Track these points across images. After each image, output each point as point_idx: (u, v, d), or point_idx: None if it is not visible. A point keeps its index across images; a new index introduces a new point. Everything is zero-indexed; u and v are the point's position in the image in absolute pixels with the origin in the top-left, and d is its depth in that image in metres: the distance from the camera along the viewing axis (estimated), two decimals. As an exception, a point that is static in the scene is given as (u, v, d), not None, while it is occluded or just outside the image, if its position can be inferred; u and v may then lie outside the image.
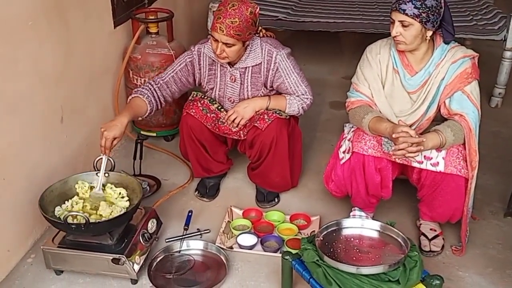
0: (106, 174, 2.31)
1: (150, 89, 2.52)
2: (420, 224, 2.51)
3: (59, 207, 2.20)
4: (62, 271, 2.26)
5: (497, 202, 2.75)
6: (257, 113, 2.57)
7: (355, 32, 4.11)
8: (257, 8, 2.39)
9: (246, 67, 2.53)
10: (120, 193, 2.27)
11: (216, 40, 2.37)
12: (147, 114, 2.49)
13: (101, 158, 2.28)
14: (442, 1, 2.17)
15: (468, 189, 2.24)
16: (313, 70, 4.30)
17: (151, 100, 2.48)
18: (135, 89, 2.54)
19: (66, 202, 2.23)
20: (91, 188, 2.30)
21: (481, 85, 2.29)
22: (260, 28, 2.54)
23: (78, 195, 2.27)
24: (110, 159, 2.31)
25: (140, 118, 2.53)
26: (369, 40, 2.41)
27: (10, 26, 2.11)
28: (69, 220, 2.04)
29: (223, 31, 2.32)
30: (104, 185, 2.28)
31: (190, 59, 2.59)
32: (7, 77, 2.12)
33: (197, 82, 2.66)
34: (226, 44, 2.36)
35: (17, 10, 2.14)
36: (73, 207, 2.20)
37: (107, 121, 2.29)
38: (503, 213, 2.66)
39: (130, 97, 2.51)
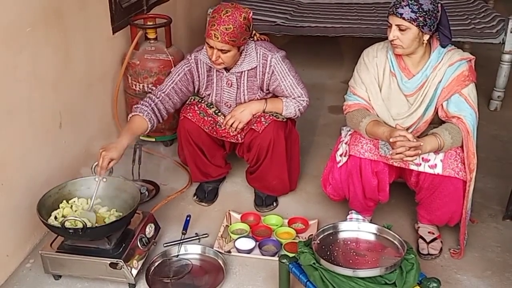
0: (104, 179, 2.32)
1: (150, 104, 2.50)
2: (418, 227, 2.50)
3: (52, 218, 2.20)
4: (60, 276, 2.26)
5: (496, 205, 2.75)
6: (254, 116, 2.58)
7: (353, 37, 4.12)
8: (250, 13, 2.41)
9: (242, 72, 2.54)
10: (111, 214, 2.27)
11: (212, 47, 2.38)
12: (147, 131, 2.50)
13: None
14: (439, 5, 2.18)
15: (466, 191, 2.24)
16: (312, 75, 4.31)
17: (151, 117, 2.47)
18: (135, 106, 2.52)
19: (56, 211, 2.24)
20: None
21: (480, 88, 2.30)
22: (254, 32, 2.55)
23: (71, 208, 2.27)
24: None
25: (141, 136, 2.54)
26: (368, 45, 2.42)
27: (9, 32, 2.12)
28: (67, 225, 2.05)
29: (218, 38, 2.33)
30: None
31: (188, 68, 2.59)
32: (6, 83, 2.13)
33: (196, 89, 2.67)
34: (221, 50, 2.37)
35: (15, 16, 2.16)
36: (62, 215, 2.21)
37: (108, 143, 2.32)
38: (502, 216, 2.65)
39: (130, 115, 2.51)
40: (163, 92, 2.57)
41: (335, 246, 1.99)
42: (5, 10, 2.09)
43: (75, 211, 2.24)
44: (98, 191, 2.30)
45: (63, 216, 2.20)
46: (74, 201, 2.29)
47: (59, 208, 2.24)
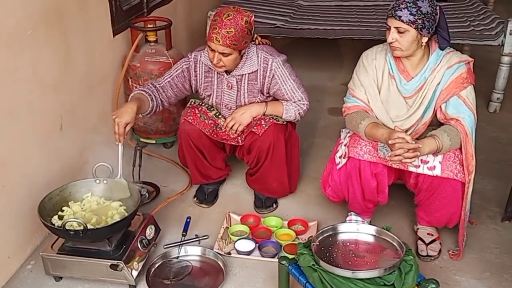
0: (105, 181, 2.34)
1: (150, 88, 2.57)
2: (418, 229, 2.51)
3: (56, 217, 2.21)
4: (61, 278, 2.27)
5: (494, 206, 2.76)
6: (255, 119, 2.59)
7: (353, 39, 4.13)
8: (252, 16, 2.42)
9: (242, 74, 2.55)
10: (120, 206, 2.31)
11: (213, 50, 2.40)
12: (149, 110, 2.53)
13: (101, 165, 2.31)
14: (438, 7, 2.19)
15: (465, 193, 2.24)
16: (312, 77, 4.33)
17: (152, 98, 2.53)
18: (136, 89, 2.59)
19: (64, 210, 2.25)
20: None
21: (479, 90, 2.31)
22: (255, 35, 2.56)
23: (82, 205, 2.29)
24: (109, 166, 2.34)
25: (141, 116, 2.56)
26: (367, 47, 2.43)
27: (10, 34, 2.13)
28: (68, 226, 2.06)
29: (219, 41, 2.34)
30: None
31: (187, 66, 2.62)
32: (6, 85, 2.14)
33: (193, 89, 2.69)
34: (222, 53, 2.39)
35: (17, 18, 2.17)
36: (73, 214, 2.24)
37: (117, 110, 2.34)
38: (501, 218, 2.66)
39: (132, 94, 2.55)
40: (159, 84, 2.62)
41: (335, 248, 2.00)
42: (7, 12, 2.10)
43: (82, 209, 2.27)
44: (99, 191, 2.32)
45: (73, 213, 2.24)
46: (88, 196, 2.32)
47: (61, 210, 2.25)
